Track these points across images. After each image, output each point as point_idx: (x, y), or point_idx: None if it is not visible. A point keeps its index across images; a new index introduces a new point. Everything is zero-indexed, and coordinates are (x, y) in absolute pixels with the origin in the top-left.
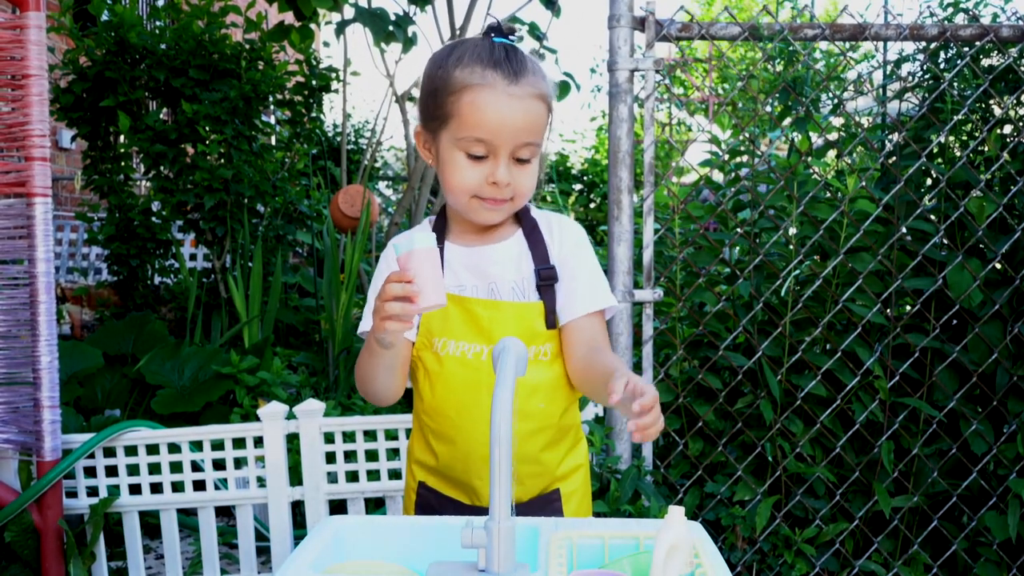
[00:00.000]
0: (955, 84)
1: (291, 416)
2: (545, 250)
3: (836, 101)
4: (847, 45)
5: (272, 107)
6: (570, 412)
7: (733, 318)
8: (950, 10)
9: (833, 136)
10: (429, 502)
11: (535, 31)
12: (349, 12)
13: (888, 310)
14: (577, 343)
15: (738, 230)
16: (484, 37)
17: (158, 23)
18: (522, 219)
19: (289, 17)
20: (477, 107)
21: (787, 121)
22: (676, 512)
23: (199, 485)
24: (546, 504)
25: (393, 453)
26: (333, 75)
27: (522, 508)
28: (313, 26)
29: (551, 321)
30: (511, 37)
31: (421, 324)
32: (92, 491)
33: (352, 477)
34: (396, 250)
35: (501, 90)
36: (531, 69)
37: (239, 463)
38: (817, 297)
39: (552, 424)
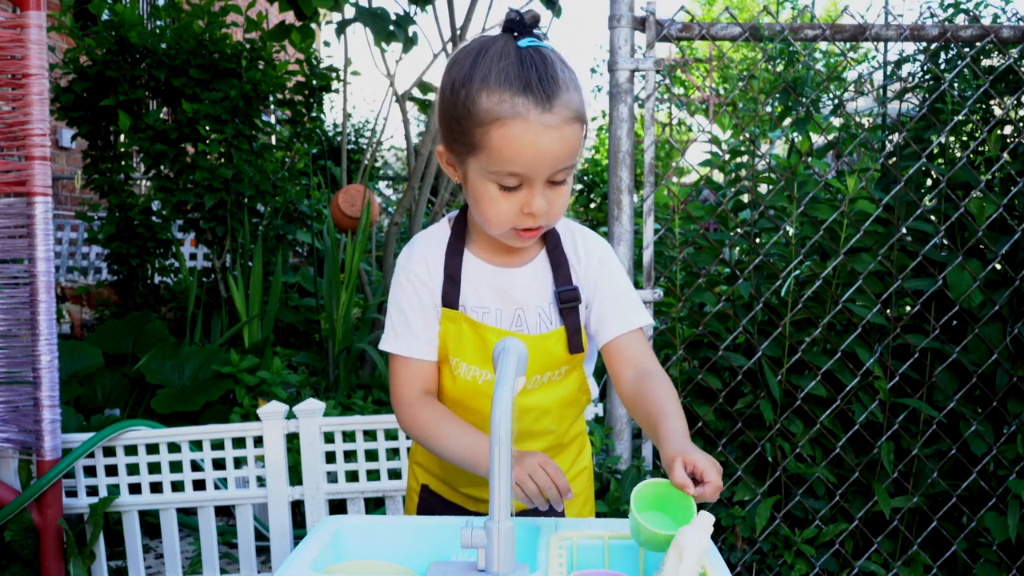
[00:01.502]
0: (955, 85)
1: (291, 416)
2: (568, 269)
3: (836, 102)
4: (847, 46)
5: (272, 107)
6: (577, 422)
7: (733, 318)
8: (951, 11)
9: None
10: (431, 505)
11: None
12: (350, 12)
13: (888, 311)
14: (623, 365)
15: (738, 230)
16: (507, 38)
17: (158, 22)
18: (545, 235)
19: (290, 16)
20: (509, 142)
21: (787, 121)
22: (706, 518)
23: (199, 485)
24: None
25: (393, 453)
26: (333, 75)
27: (523, 514)
28: (313, 26)
29: (574, 344)
30: (536, 31)
31: (439, 337)
32: (92, 490)
33: (352, 477)
34: None
35: (535, 120)
36: (564, 84)
37: (239, 463)
38: (817, 297)
39: (560, 441)
